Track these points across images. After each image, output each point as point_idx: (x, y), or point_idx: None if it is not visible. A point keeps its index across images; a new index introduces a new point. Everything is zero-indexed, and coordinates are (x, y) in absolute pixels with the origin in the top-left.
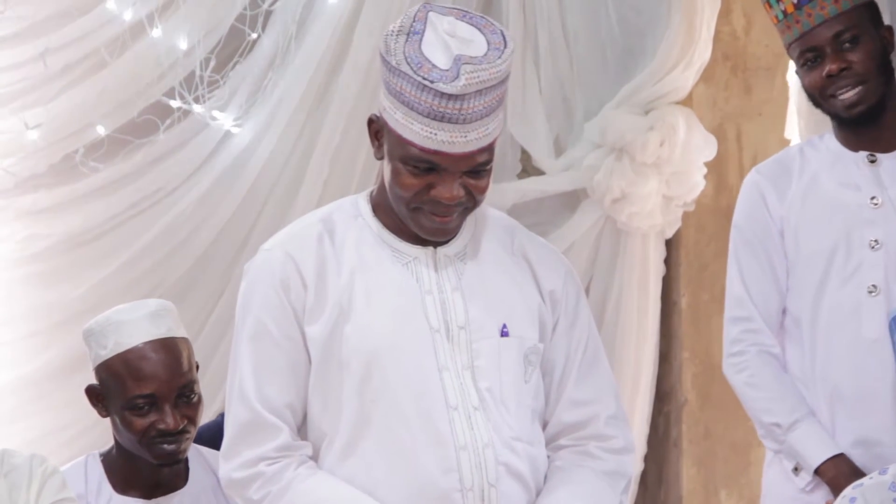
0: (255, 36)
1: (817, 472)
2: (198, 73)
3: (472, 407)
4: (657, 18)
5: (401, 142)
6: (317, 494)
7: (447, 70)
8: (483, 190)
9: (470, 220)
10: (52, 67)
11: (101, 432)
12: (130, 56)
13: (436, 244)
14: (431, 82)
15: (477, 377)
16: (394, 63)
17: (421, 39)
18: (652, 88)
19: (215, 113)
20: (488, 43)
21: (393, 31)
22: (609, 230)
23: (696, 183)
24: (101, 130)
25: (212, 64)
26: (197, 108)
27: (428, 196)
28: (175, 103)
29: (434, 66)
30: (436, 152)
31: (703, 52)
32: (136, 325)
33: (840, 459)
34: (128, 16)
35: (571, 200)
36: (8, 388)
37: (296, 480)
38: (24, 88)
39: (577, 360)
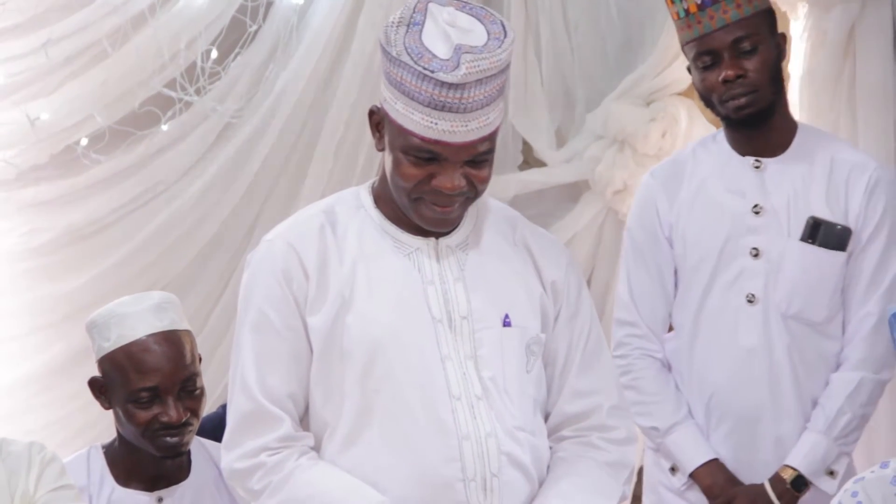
0: (255, 27)
1: (693, 475)
2: (199, 64)
3: (474, 396)
4: (657, 10)
5: (402, 132)
6: (318, 485)
7: (447, 60)
8: (484, 180)
9: (472, 210)
10: (53, 59)
11: (107, 425)
12: (132, 47)
13: (438, 235)
14: (432, 72)
15: (480, 366)
16: (394, 53)
17: (421, 30)
18: (653, 80)
19: (216, 104)
20: (488, 33)
21: (393, 23)
22: (611, 221)
23: None
24: (101, 122)
25: (213, 55)
26: (198, 99)
27: (429, 186)
28: (176, 95)
29: (434, 55)
30: (436, 142)
31: None
32: (139, 317)
33: (715, 466)
34: (129, 7)
35: (573, 192)
36: (15, 382)
37: (297, 471)
38: (26, 80)
39: (579, 351)
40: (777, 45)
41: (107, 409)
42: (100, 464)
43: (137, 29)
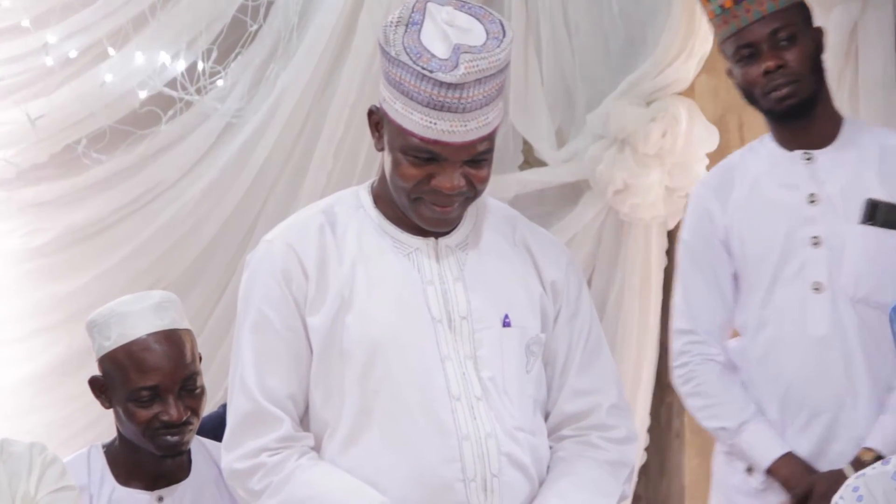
0: (256, 27)
1: (769, 471)
2: (200, 64)
3: (474, 397)
4: (658, 9)
5: (401, 132)
6: (318, 485)
7: (446, 59)
8: (484, 180)
9: (471, 210)
10: (54, 59)
11: (108, 425)
12: (133, 47)
13: (437, 234)
14: (430, 72)
15: (479, 367)
16: (393, 53)
17: (420, 30)
18: (654, 79)
19: (217, 104)
20: (487, 32)
21: (392, 22)
22: (611, 221)
23: (698, 174)
24: (102, 122)
25: (213, 55)
26: (199, 99)
27: (428, 186)
28: (177, 94)
29: (433, 55)
30: (436, 142)
31: (704, 43)
32: (139, 316)
33: (790, 458)
34: (130, 7)
35: (573, 192)
36: (18, 382)
37: (297, 471)
38: (27, 79)
39: (579, 350)
40: (814, 38)
41: (107, 408)
42: (100, 463)
43: (138, 29)
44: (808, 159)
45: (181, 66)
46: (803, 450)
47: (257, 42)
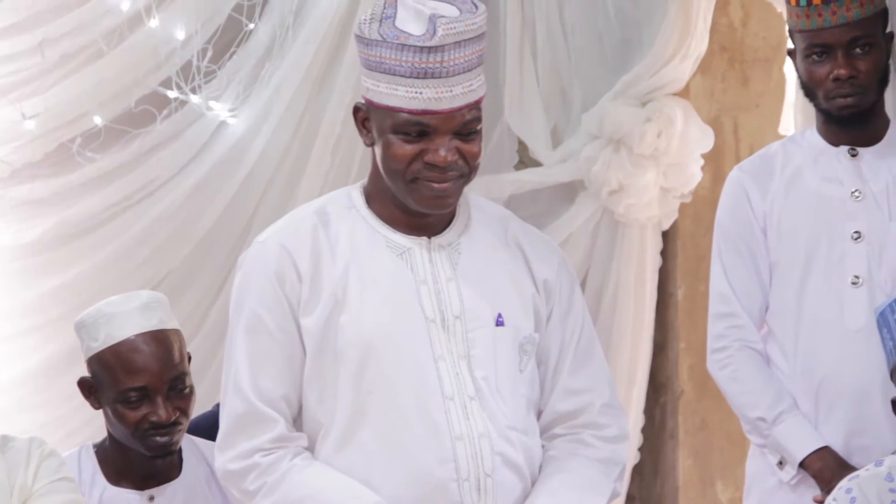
0: (251, 26)
1: (802, 465)
2: (195, 63)
3: (467, 397)
4: (654, 10)
5: (389, 112)
6: (312, 485)
7: (423, 32)
8: (476, 156)
9: (464, 209)
10: (49, 58)
11: (101, 425)
12: (127, 46)
13: (430, 234)
14: (409, 41)
15: (473, 366)
16: (370, 37)
17: (394, 20)
18: (649, 80)
19: (211, 103)
20: (460, 10)
21: (366, 20)
22: (606, 222)
23: (693, 174)
24: (97, 120)
25: (209, 54)
26: (194, 98)
27: (422, 163)
28: (172, 93)
29: (410, 34)
30: (424, 112)
31: (700, 44)
32: (127, 317)
33: (825, 452)
34: (125, 6)
35: (569, 192)
36: (10, 382)
37: (291, 471)
38: (21, 79)
39: (571, 349)
40: (887, 46)
41: (96, 409)
42: (91, 463)
43: (133, 28)
44: (854, 155)
45: (176, 65)
46: (838, 445)
47: (252, 41)
